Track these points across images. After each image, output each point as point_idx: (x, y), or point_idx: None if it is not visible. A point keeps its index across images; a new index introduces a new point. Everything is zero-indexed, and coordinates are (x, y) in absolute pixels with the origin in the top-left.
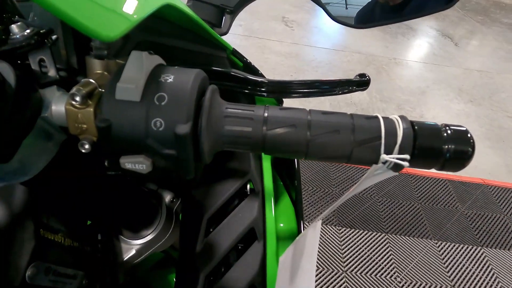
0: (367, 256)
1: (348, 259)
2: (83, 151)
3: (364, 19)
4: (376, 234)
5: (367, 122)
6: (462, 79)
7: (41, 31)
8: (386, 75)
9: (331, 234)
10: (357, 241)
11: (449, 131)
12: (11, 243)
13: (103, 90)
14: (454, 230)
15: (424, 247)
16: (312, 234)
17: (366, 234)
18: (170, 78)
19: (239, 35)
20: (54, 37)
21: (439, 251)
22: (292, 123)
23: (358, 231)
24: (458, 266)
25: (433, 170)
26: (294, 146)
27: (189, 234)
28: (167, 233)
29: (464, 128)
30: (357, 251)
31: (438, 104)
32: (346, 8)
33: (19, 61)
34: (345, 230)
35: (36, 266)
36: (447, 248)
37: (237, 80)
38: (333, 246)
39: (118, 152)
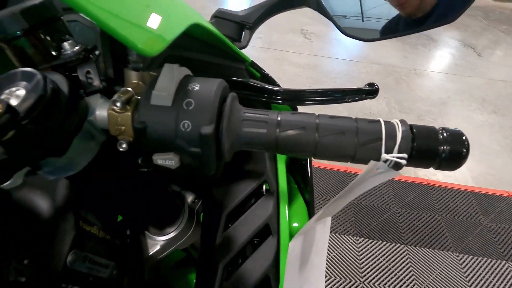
0: (386, 267)
1: (366, 270)
2: (120, 149)
3: (386, 31)
4: (395, 245)
5: (369, 125)
6: (485, 89)
7: (87, 47)
8: (406, 85)
9: (348, 244)
10: (376, 252)
11: (445, 134)
12: (55, 232)
13: (139, 97)
14: (477, 243)
15: (445, 259)
16: (322, 229)
17: (385, 245)
18: (197, 87)
19: (258, 47)
20: (97, 52)
21: (461, 264)
22: (302, 126)
23: (377, 242)
24: (480, 280)
25: (445, 179)
26: (303, 146)
27: (209, 228)
28: (189, 231)
29: (460, 131)
30: (375, 262)
31: (460, 115)
32: (363, 21)
33: (67, 73)
34: (363, 240)
35: (75, 254)
36: (469, 262)
37: (255, 89)
38: (350, 256)
39: (151, 150)
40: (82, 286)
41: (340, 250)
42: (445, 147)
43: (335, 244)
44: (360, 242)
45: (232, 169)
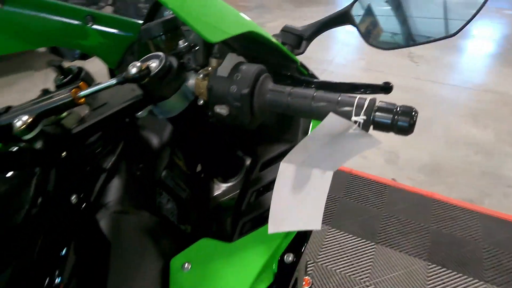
0: None
1: None
2: (199, 104)
3: (401, 42)
4: (473, 280)
5: (347, 98)
6: None
7: (191, 44)
8: None
9: (418, 267)
10: (448, 282)
11: (398, 108)
12: (158, 156)
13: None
14: None
15: None
16: (320, 175)
17: (460, 277)
18: (244, 67)
19: (359, 68)
20: (196, 48)
21: None
22: (304, 96)
23: (451, 272)
24: None
25: None
26: (303, 108)
27: (250, 170)
28: None
29: (411, 107)
30: None
31: None
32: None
33: (179, 58)
34: (435, 267)
35: (167, 172)
36: None
37: (294, 78)
38: (418, 280)
39: (214, 103)
40: (168, 194)
41: (408, 271)
42: (396, 117)
43: (403, 264)
44: (432, 268)
45: (272, 136)
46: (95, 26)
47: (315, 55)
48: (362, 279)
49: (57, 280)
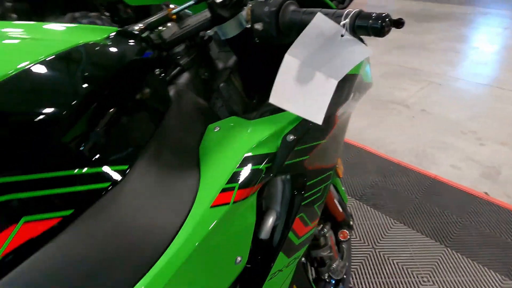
0: None
1: None
2: (247, 26)
3: None
4: None
5: (340, 11)
6: None
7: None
8: None
9: (489, 278)
10: None
11: (374, 15)
12: (220, 72)
13: None
14: None
15: None
16: (324, 79)
17: None
18: None
19: (476, 83)
20: None
21: None
22: (312, 13)
23: None
24: None
25: None
26: (307, 21)
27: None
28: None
29: (385, 14)
30: None
31: None
32: None
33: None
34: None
35: (224, 84)
36: None
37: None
38: None
39: (254, 21)
40: (222, 100)
41: (476, 279)
42: (371, 21)
43: (472, 272)
44: (507, 284)
45: None
46: None
47: (427, 68)
48: (420, 274)
49: (126, 112)
